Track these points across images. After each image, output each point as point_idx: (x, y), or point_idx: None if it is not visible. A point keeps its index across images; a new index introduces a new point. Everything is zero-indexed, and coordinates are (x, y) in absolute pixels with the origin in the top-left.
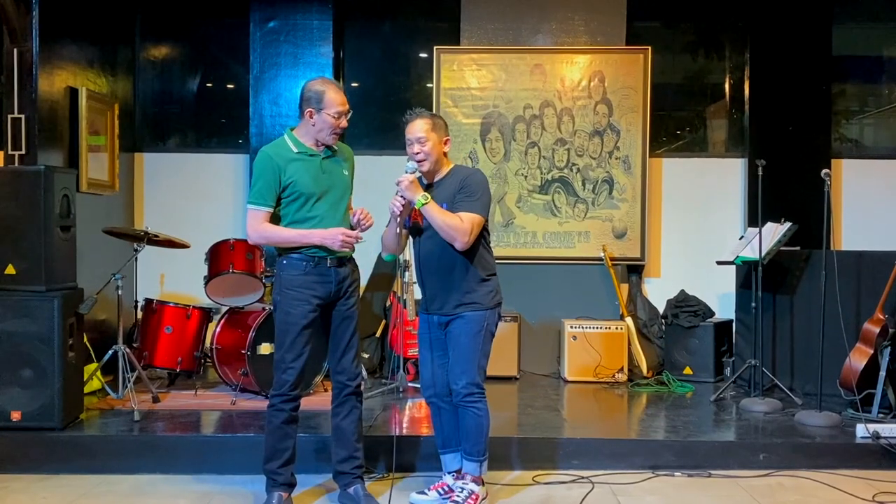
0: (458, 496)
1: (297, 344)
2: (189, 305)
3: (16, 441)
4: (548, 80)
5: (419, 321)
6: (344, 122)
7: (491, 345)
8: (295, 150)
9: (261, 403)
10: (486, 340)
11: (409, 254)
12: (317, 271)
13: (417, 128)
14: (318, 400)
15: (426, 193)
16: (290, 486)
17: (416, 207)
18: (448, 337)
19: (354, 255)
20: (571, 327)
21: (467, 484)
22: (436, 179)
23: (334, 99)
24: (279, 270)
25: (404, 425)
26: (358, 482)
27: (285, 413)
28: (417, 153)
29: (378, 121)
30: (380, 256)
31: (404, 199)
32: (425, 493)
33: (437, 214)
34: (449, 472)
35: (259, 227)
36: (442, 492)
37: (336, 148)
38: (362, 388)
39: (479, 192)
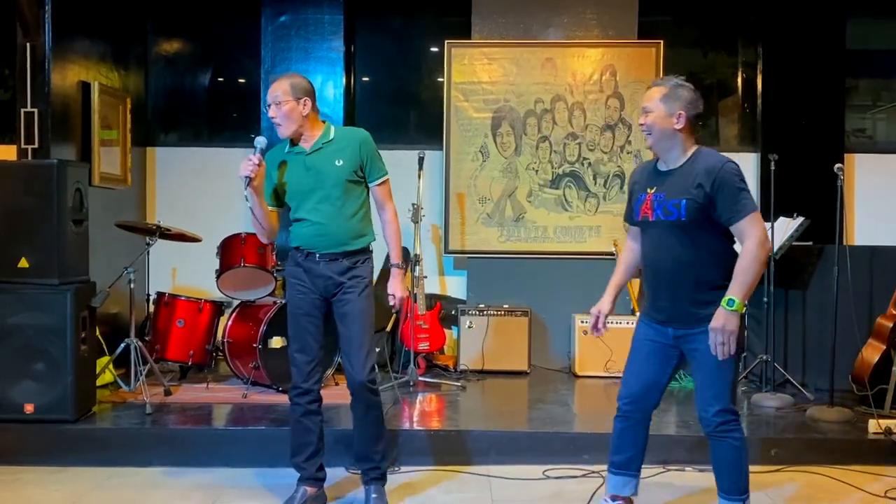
0: None
1: (298, 335)
2: (201, 299)
3: (28, 433)
4: (559, 73)
5: (638, 324)
6: (271, 112)
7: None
8: (286, 149)
9: (272, 397)
10: (738, 359)
11: (419, 248)
12: (307, 263)
13: (648, 96)
14: (332, 393)
15: (731, 299)
16: (317, 480)
17: (736, 311)
18: (693, 356)
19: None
20: (582, 322)
21: None
22: (676, 166)
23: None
24: (286, 265)
25: (415, 419)
26: (372, 484)
27: (301, 407)
28: (642, 124)
29: (389, 115)
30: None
31: (258, 162)
32: None
33: (743, 278)
34: (614, 499)
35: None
36: None
37: (331, 137)
38: (375, 385)
39: (738, 183)
